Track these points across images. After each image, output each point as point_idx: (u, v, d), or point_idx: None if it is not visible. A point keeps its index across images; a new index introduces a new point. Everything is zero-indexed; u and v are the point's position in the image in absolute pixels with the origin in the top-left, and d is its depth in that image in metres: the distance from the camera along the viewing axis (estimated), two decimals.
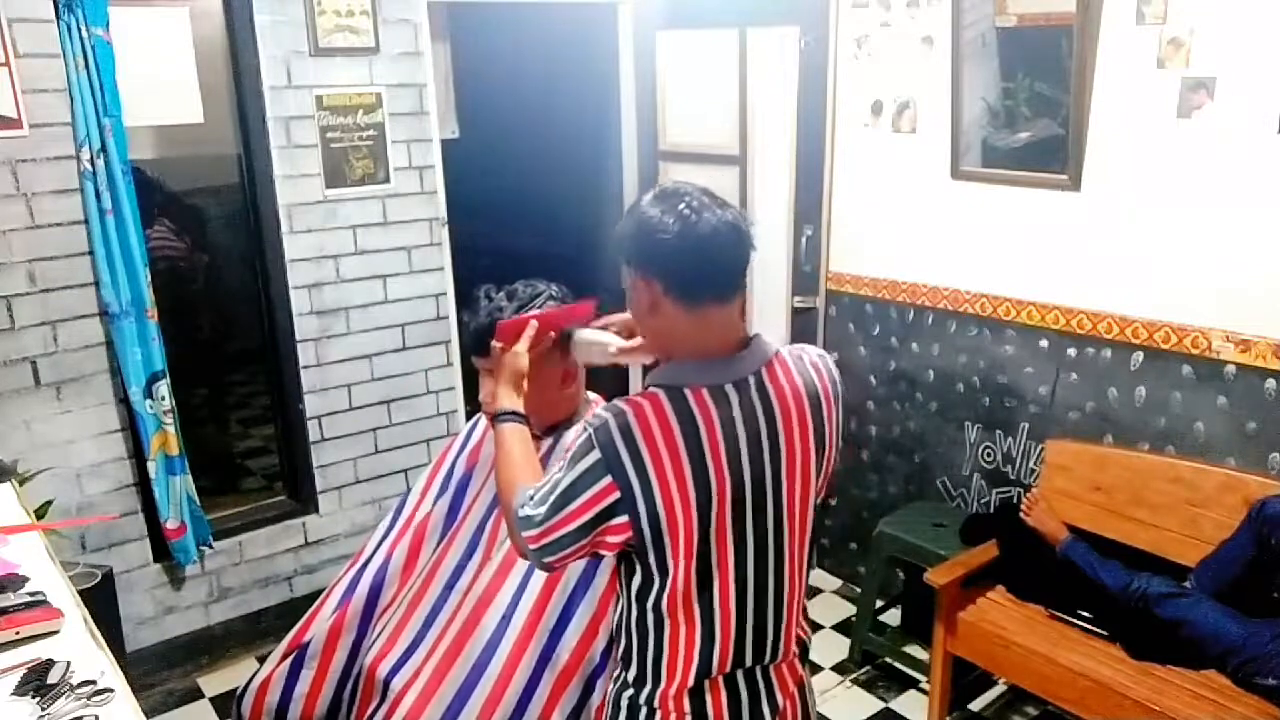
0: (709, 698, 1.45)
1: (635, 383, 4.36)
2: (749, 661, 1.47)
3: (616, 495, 1.32)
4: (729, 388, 1.36)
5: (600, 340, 1.64)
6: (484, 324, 1.72)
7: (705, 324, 1.36)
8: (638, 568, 1.40)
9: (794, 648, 1.54)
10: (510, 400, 1.54)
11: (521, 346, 1.58)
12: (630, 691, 1.47)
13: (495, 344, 1.61)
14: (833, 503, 3.70)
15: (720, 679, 1.45)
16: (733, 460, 1.36)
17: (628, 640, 1.47)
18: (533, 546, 1.39)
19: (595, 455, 1.32)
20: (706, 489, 1.34)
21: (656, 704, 1.45)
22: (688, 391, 1.34)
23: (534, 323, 1.61)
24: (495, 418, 1.54)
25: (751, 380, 1.38)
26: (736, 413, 1.36)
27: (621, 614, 1.48)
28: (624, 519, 1.33)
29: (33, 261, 2.76)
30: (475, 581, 1.76)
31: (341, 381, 3.40)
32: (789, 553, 1.45)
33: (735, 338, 1.40)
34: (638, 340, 1.56)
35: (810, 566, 1.55)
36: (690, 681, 1.43)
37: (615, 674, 1.52)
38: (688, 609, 1.40)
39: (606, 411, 1.35)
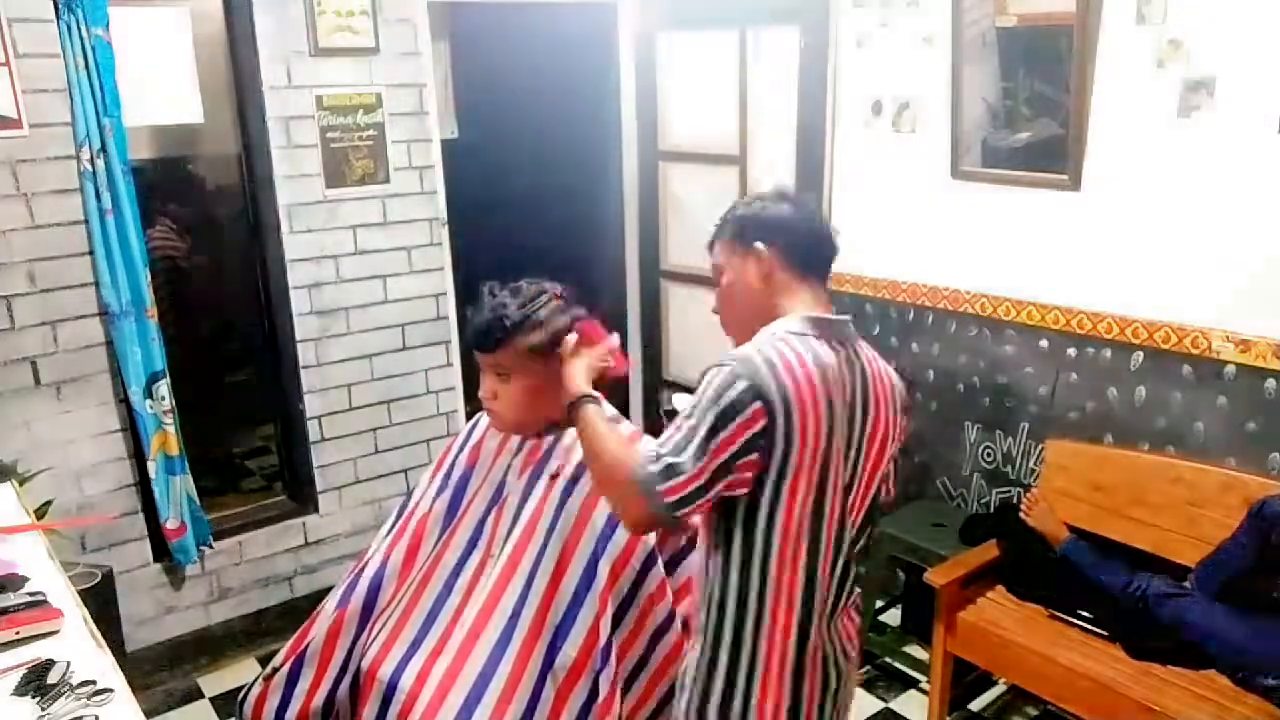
0: (810, 642, 1.49)
1: (635, 390, 4.36)
2: (830, 608, 1.52)
3: (765, 422, 1.35)
4: (835, 343, 1.45)
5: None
6: (487, 321, 1.73)
7: (810, 291, 1.51)
8: (740, 516, 1.41)
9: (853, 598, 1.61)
10: (586, 385, 1.60)
11: (595, 353, 1.66)
12: (727, 661, 1.47)
13: (575, 336, 1.66)
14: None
15: (814, 625, 1.49)
16: (840, 405, 1.42)
17: (720, 613, 1.46)
18: (671, 499, 1.34)
19: (743, 383, 1.34)
20: (830, 424, 1.40)
21: (761, 650, 1.45)
22: (811, 339, 1.42)
23: (614, 339, 1.71)
24: (576, 402, 1.56)
25: (849, 346, 1.48)
26: (844, 367, 1.44)
27: (714, 585, 1.47)
28: (764, 446, 1.36)
29: (33, 261, 2.76)
30: (478, 580, 1.76)
31: (341, 381, 3.40)
32: (854, 510, 1.53)
33: (829, 310, 1.51)
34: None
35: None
36: (793, 631, 1.46)
37: (699, 657, 1.50)
38: (795, 553, 1.43)
39: (743, 350, 1.40)
